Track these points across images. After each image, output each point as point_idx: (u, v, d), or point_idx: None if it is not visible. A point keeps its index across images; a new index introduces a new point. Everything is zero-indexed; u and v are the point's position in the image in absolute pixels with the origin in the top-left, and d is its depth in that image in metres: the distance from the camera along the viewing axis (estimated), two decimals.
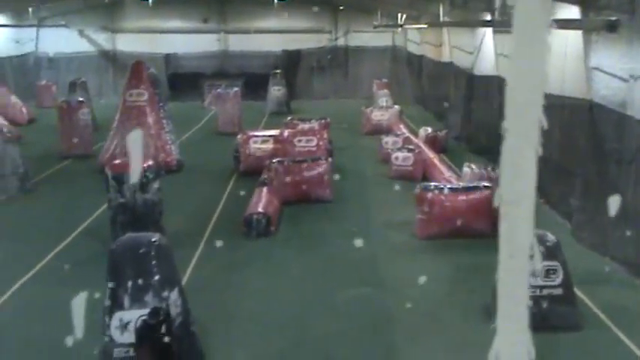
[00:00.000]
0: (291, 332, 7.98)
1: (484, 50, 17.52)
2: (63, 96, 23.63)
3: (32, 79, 29.93)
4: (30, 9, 27.51)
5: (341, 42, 32.23)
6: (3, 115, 21.27)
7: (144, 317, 5.58)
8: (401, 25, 24.84)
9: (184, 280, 8.26)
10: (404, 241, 11.21)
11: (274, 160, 13.53)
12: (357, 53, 32.08)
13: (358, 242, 9.59)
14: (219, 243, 10.44)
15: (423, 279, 8.68)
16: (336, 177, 14.02)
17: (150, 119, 16.23)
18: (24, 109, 24.47)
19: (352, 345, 7.64)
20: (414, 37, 27.52)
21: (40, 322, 8.25)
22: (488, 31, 16.72)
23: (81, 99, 19.65)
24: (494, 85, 15.95)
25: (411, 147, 15.90)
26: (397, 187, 13.36)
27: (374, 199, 13.77)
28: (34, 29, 30.06)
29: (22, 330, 8.07)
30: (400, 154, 15.42)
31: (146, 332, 5.51)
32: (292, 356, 7.41)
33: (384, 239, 11.40)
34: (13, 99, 24.59)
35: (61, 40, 30.55)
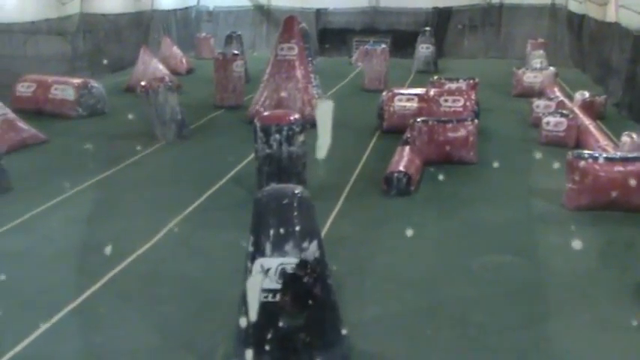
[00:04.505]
0: (425, 293, 7.95)
1: None
2: (220, 48, 24.72)
3: (193, 31, 31.54)
4: None
5: None
6: (165, 65, 22.64)
7: (292, 267, 5.79)
8: None
9: (323, 233, 8.44)
10: (550, 211, 10.70)
11: (418, 119, 13.34)
12: (511, 11, 30.53)
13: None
14: None
15: (569, 251, 8.26)
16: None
17: (298, 73, 16.54)
18: (184, 60, 25.87)
19: (489, 312, 7.47)
20: None
21: (188, 262, 8.85)
22: None
23: (236, 52, 20.44)
24: None
25: (564, 112, 15.01)
26: (547, 153, 12.74)
27: (520, 164, 13.22)
28: None
29: (172, 267, 8.69)
30: (552, 119, 14.62)
31: (292, 282, 5.73)
32: (425, 317, 7.39)
33: (528, 207, 10.95)
34: (175, 50, 26.08)
35: None
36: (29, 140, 14.70)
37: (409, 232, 9.18)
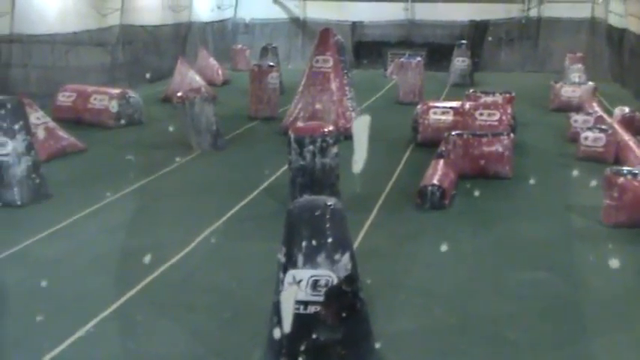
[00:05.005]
0: (457, 308, 7.86)
1: None
2: (255, 60, 24.96)
3: (229, 43, 31.90)
4: None
5: (533, 13, 30.51)
6: (202, 76, 22.93)
7: (339, 281, 5.83)
8: None
9: (355, 245, 8.43)
10: (587, 227, 10.51)
11: (453, 133, 13.25)
12: (550, 25, 30.17)
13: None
14: None
15: (606, 269, 8.09)
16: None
17: (333, 85, 16.59)
18: (220, 71, 26.16)
19: (523, 329, 7.35)
20: (617, 9, 25.30)
21: (221, 271, 8.91)
22: None
23: (271, 63, 20.60)
24: None
25: (603, 127, 14.75)
26: (584, 169, 12.54)
27: (557, 179, 13.03)
28: None
29: (204, 277, 8.76)
30: (590, 134, 14.39)
31: (336, 296, 5.78)
32: (458, 333, 7.30)
33: (565, 223, 10.77)
34: (211, 61, 26.43)
35: (257, 7, 32.23)
36: (68, 149, 15.01)
37: (443, 247, 9.11)
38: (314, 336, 5.86)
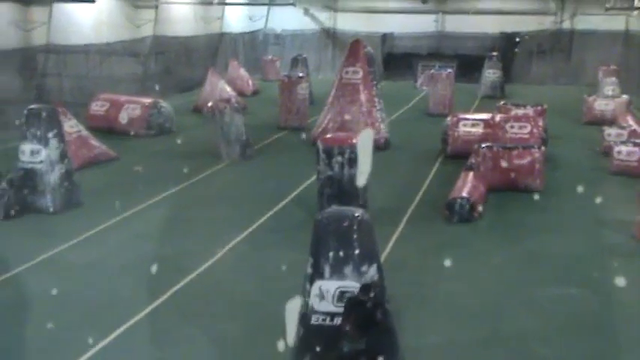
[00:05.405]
0: (485, 323, 7.76)
1: None
2: (285, 71, 25.11)
3: (259, 53, 32.17)
4: None
5: (566, 25, 30.17)
6: (232, 86, 23.13)
7: (354, 291, 5.76)
8: (637, 8, 22.61)
9: (383, 257, 8.39)
10: (620, 243, 10.30)
11: (483, 145, 13.13)
12: (583, 37, 29.82)
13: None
14: None
15: (638, 285, 7.92)
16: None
17: (362, 97, 16.60)
18: (250, 82, 26.39)
19: (552, 346, 7.22)
20: None
21: (247, 281, 8.92)
22: None
23: (301, 74, 20.70)
24: None
25: (637, 141, 14.50)
26: (617, 183, 12.31)
27: (589, 193, 12.76)
28: (266, 7, 32.27)
29: (232, 286, 8.78)
30: (624, 148, 14.15)
31: (354, 306, 5.71)
32: (486, 348, 7.20)
33: (596, 238, 10.59)
34: (242, 72, 26.67)
35: (288, 18, 32.47)
36: (101, 157, 15.22)
37: (471, 260, 8.99)
38: (343, 348, 5.81)
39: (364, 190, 11.00)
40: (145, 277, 8.95)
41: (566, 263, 9.52)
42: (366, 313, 5.75)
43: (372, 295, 5.75)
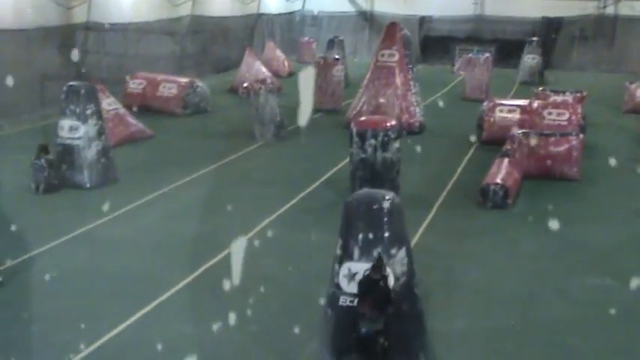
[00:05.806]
0: (516, 311, 7.68)
1: None
2: (321, 52, 25.01)
3: (296, 35, 32.11)
4: None
5: (610, 10, 29.39)
6: (268, 67, 23.14)
7: (366, 271, 5.74)
8: None
9: (413, 242, 8.36)
10: None
11: (519, 131, 12.93)
12: (627, 24, 29.02)
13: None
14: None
15: None
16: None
17: (398, 80, 16.46)
18: (286, 63, 26.37)
19: (584, 336, 7.12)
20: None
21: (277, 261, 8.96)
22: None
23: (337, 56, 20.60)
24: None
25: None
26: None
27: (627, 183, 12.53)
28: None
29: (261, 266, 8.81)
30: None
31: (368, 286, 5.68)
32: (515, 336, 7.14)
33: (633, 228, 10.38)
34: (278, 53, 26.66)
35: (325, 0, 32.26)
36: (137, 135, 15.41)
37: (504, 248, 8.89)
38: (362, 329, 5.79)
39: (397, 173, 10.97)
40: (177, 253, 9.08)
41: (602, 253, 9.36)
42: (381, 292, 5.69)
43: (385, 273, 5.67)
